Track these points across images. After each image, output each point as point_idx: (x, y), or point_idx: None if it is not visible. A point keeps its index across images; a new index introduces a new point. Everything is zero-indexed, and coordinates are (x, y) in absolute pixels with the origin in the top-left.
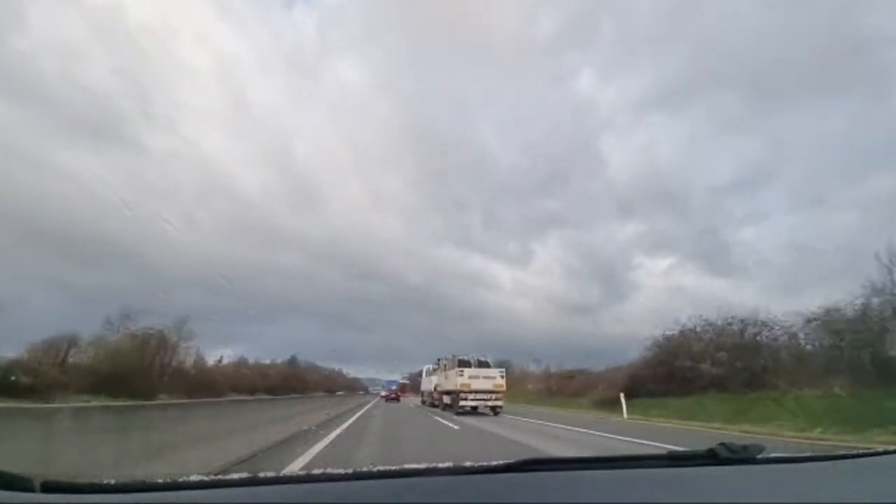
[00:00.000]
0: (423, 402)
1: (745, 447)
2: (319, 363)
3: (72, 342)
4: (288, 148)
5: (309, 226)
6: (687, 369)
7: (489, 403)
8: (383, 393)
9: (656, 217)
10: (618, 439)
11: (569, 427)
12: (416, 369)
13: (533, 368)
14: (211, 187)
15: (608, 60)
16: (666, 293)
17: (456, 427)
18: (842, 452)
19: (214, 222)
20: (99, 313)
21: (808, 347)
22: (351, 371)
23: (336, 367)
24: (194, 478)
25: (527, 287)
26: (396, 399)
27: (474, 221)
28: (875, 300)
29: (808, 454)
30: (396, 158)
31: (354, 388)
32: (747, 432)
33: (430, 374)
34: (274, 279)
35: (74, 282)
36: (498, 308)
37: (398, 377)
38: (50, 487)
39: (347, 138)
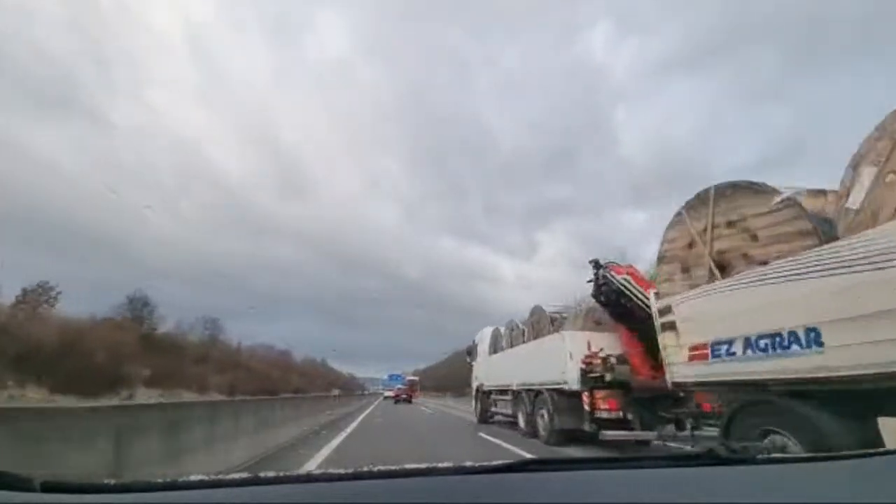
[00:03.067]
0: (487, 419)
1: (745, 447)
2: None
3: None
4: (273, 127)
5: (299, 216)
6: None
7: None
8: (388, 393)
9: (671, 204)
10: None
11: None
12: (419, 367)
13: None
14: (191, 172)
15: (629, 8)
16: None
17: None
18: (842, 452)
19: (197, 212)
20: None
21: None
22: (348, 370)
23: (316, 357)
24: (194, 478)
25: (530, 281)
26: (408, 400)
27: (475, 209)
28: None
29: (808, 454)
30: (390, 137)
31: (348, 386)
32: None
33: (524, 336)
34: (264, 273)
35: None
36: (499, 304)
37: (401, 372)
38: (50, 487)
39: (336, 114)
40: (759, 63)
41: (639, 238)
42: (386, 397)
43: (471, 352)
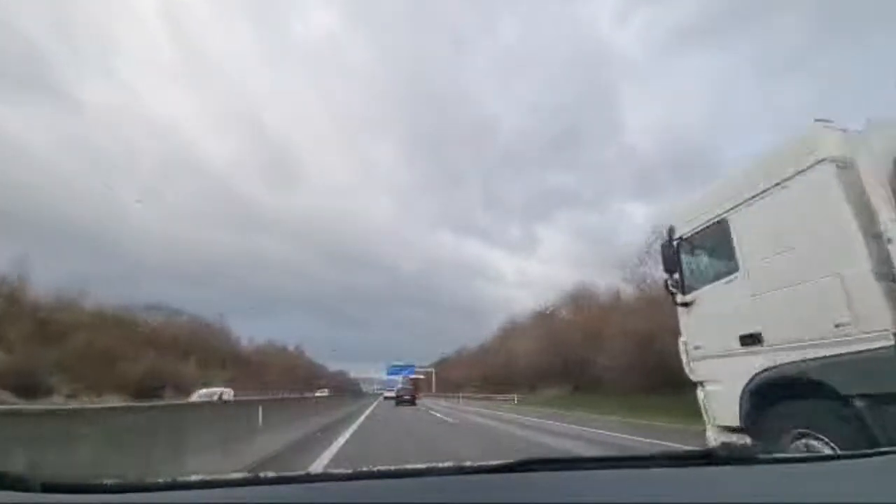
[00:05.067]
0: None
1: (744, 447)
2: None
3: None
4: (259, 111)
5: (291, 208)
6: None
7: None
8: (388, 393)
9: (679, 196)
10: None
11: None
12: (421, 364)
13: None
14: (177, 162)
15: None
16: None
17: None
18: (842, 452)
19: (183, 204)
20: None
21: None
22: (340, 367)
23: (288, 344)
24: (194, 478)
25: (530, 279)
26: (411, 401)
27: (474, 201)
28: None
29: (808, 454)
30: (385, 121)
31: (342, 387)
32: None
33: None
34: (254, 268)
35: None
36: (498, 303)
37: (402, 369)
38: (50, 487)
39: (326, 97)
40: (780, 28)
41: (643, 233)
42: (386, 398)
43: (696, 245)
